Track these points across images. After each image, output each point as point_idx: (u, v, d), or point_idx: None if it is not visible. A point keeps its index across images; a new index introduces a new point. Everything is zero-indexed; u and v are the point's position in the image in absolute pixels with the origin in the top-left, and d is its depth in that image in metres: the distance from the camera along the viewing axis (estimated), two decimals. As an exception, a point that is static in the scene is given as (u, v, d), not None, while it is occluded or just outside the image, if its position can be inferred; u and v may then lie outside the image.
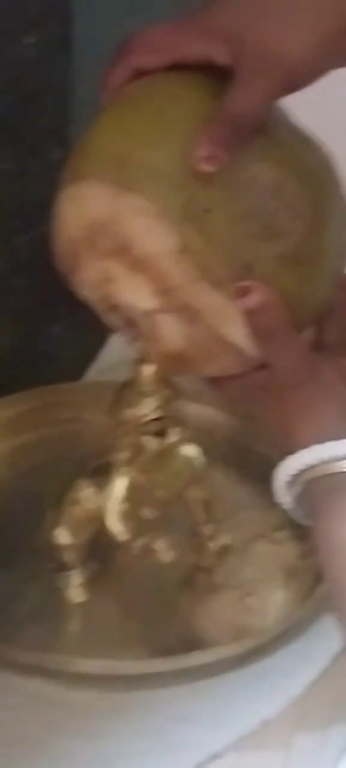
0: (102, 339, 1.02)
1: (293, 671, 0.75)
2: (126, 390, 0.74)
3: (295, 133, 0.68)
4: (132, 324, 0.67)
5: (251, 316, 0.63)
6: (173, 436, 0.75)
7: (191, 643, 0.76)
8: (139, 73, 0.65)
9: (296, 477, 0.64)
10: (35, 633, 0.75)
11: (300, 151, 0.67)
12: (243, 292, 0.63)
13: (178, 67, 0.65)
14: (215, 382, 0.69)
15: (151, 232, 0.63)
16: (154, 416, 0.73)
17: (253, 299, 0.63)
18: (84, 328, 0.90)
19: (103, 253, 0.65)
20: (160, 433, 0.74)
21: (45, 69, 0.67)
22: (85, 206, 0.65)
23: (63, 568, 0.78)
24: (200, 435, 0.83)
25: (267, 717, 0.72)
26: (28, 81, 0.73)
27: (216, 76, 0.64)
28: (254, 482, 0.89)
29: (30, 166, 0.72)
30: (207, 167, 0.62)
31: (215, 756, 0.70)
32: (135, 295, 0.65)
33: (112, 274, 0.65)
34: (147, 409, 0.73)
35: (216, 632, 0.77)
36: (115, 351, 1.00)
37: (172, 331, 0.66)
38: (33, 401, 0.95)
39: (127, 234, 0.64)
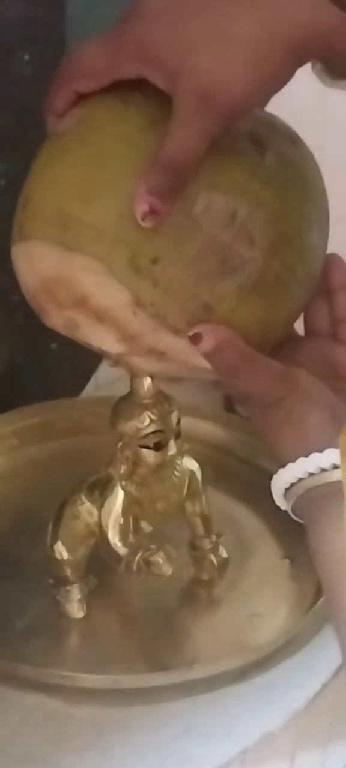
0: (100, 355, 1.01)
1: (296, 684, 0.74)
2: (124, 403, 0.74)
3: (253, 137, 0.63)
4: (108, 356, 0.66)
5: (209, 358, 0.62)
6: (172, 449, 0.75)
7: (192, 657, 0.76)
8: (81, 95, 0.63)
9: (288, 489, 0.64)
10: (35, 648, 0.75)
11: (258, 160, 0.63)
12: (196, 340, 0.61)
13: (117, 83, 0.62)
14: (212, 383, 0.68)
15: (102, 288, 0.61)
16: (152, 429, 0.73)
17: (206, 344, 0.61)
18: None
19: (63, 304, 0.63)
20: (159, 446, 0.74)
21: (39, 85, 0.67)
22: (35, 264, 0.63)
23: (63, 582, 0.77)
24: (198, 448, 0.83)
25: (270, 730, 0.72)
26: (23, 96, 0.73)
27: (154, 91, 0.60)
28: (253, 495, 0.89)
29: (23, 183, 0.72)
30: (149, 222, 0.59)
31: (218, 769, 0.69)
32: (102, 341, 0.64)
33: (76, 322, 0.63)
34: (145, 422, 0.73)
35: (217, 646, 0.77)
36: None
37: (145, 366, 0.65)
38: (32, 417, 0.96)
39: (80, 289, 0.62)
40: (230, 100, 0.58)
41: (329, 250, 0.69)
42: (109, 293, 0.61)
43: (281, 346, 0.66)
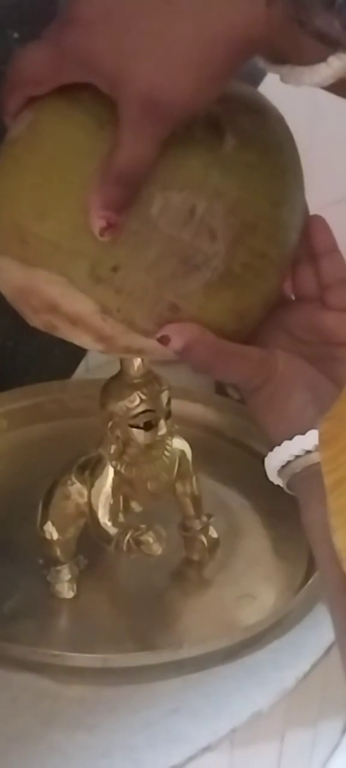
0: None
1: (285, 664, 0.75)
2: (115, 383, 0.74)
3: (211, 119, 0.61)
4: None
5: (180, 356, 0.62)
6: (162, 429, 0.75)
7: (182, 636, 0.76)
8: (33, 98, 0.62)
9: (280, 471, 0.64)
10: (25, 627, 0.75)
11: (216, 147, 0.61)
12: (165, 341, 0.61)
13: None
14: None
15: (68, 298, 0.61)
16: (142, 409, 0.73)
17: (175, 344, 0.61)
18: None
19: (38, 309, 0.63)
20: (149, 426, 0.74)
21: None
22: (4, 276, 0.63)
23: (53, 562, 0.77)
24: (189, 430, 0.83)
25: (259, 710, 0.72)
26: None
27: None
28: (244, 477, 0.89)
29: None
30: (107, 236, 0.59)
31: (208, 748, 0.69)
32: (80, 341, 0.63)
33: (53, 324, 0.63)
34: (135, 401, 0.73)
35: (207, 626, 0.77)
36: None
37: (128, 356, 0.66)
38: (22, 399, 0.96)
39: (49, 298, 0.61)
40: (175, 104, 0.57)
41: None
42: (76, 303, 0.61)
43: (271, 312, 0.65)
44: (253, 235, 0.61)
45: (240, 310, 0.63)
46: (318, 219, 0.67)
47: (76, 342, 0.64)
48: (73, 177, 0.59)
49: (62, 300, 0.61)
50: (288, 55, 0.57)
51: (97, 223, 0.58)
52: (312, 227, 0.66)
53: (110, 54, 0.57)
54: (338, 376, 0.64)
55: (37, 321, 0.64)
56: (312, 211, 0.68)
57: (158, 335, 0.61)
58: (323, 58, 0.56)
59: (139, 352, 0.63)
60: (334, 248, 0.66)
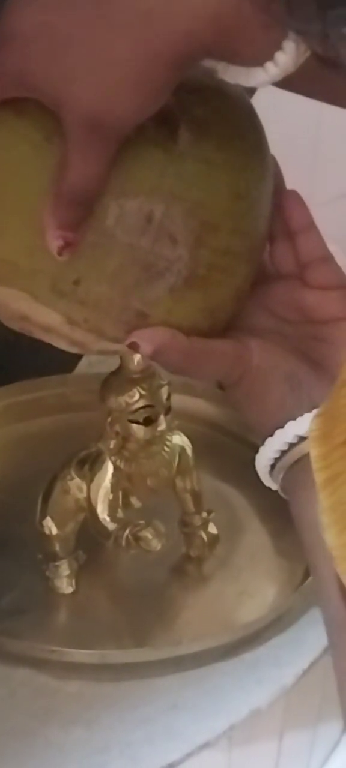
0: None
1: (285, 661, 0.74)
2: (114, 378, 0.74)
3: (162, 114, 0.57)
4: None
5: (152, 360, 0.62)
6: (162, 424, 0.74)
7: (181, 632, 0.76)
8: None
9: (270, 467, 0.63)
10: (23, 622, 0.75)
11: (169, 146, 0.59)
12: (134, 347, 0.60)
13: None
14: None
15: (35, 311, 0.60)
16: (142, 404, 0.73)
17: (144, 350, 0.60)
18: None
19: (10, 318, 0.62)
20: (149, 421, 0.73)
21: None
22: None
23: (52, 558, 0.77)
24: (190, 425, 0.83)
25: (258, 707, 0.72)
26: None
27: None
28: (245, 472, 0.89)
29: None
30: (66, 255, 0.58)
31: (206, 745, 0.69)
32: (57, 344, 0.62)
33: (29, 330, 0.62)
34: (135, 396, 0.73)
35: (206, 622, 0.77)
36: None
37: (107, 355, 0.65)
38: (24, 393, 0.96)
39: (18, 311, 0.61)
40: (120, 121, 0.56)
41: (330, 227, 0.66)
42: (43, 316, 0.60)
43: (253, 291, 0.64)
44: (215, 235, 0.60)
45: (211, 308, 0.61)
46: (293, 195, 0.65)
47: (54, 344, 0.63)
48: (24, 195, 0.59)
49: (30, 313, 0.61)
50: (226, 55, 0.56)
51: (55, 244, 0.58)
52: (287, 204, 0.64)
53: (49, 75, 0.56)
54: (320, 355, 0.63)
55: (13, 326, 0.63)
56: (317, 206, 0.66)
57: (126, 342, 0.60)
58: (260, 63, 0.55)
59: (115, 353, 0.62)
60: (310, 225, 0.65)
